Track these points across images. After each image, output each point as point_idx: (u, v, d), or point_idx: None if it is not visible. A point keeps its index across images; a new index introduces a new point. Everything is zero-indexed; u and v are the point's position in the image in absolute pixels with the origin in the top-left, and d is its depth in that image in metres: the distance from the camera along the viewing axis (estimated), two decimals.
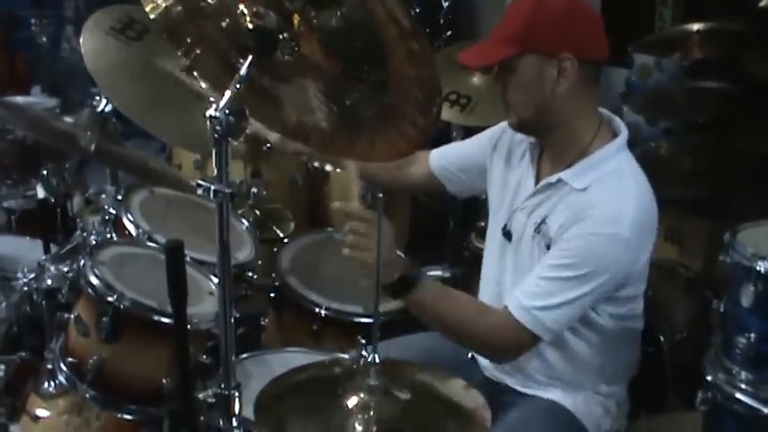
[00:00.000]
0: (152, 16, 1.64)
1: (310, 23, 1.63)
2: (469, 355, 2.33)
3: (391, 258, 1.99)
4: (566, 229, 2.00)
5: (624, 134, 2.10)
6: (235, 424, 1.66)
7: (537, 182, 2.16)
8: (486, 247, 2.33)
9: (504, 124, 2.28)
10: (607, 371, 2.17)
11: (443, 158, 2.46)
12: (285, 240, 3.02)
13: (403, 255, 2.06)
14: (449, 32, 4.90)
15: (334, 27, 1.65)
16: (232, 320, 1.63)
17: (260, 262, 2.79)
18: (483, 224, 3.51)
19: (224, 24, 1.70)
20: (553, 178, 2.07)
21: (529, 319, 1.98)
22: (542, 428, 2.11)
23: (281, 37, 1.63)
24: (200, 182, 1.56)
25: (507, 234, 2.20)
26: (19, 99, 3.90)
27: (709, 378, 2.00)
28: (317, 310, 2.65)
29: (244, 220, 2.95)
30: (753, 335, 1.93)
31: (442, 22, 4.95)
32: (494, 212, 2.31)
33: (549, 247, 2.04)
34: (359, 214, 2.00)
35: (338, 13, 1.63)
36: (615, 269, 1.98)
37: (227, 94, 1.52)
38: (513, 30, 2.02)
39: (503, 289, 2.20)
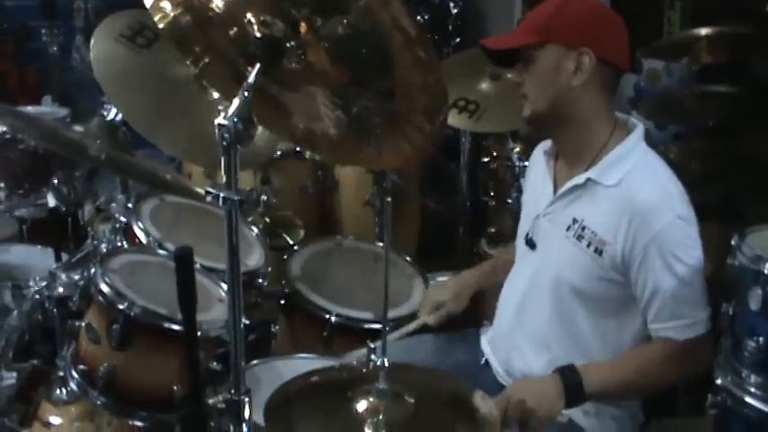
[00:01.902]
0: (161, 26, 1.65)
1: (317, 32, 1.65)
2: (483, 360, 2.34)
3: (553, 409, 2.02)
4: (633, 241, 2.00)
5: (640, 128, 2.12)
6: (245, 429, 1.66)
7: (555, 187, 2.17)
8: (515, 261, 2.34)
9: (535, 151, 2.34)
10: None
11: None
12: (295, 247, 3.02)
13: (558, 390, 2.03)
14: (458, 39, 4.92)
15: (341, 35, 1.66)
16: (242, 326, 1.64)
17: (270, 269, 2.80)
18: (493, 230, 3.54)
19: (232, 33, 1.71)
20: (581, 179, 2.08)
21: (690, 329, 2.03)
22: None
23: (288, 45, 1.64)
24: (210, 189, 1.57)
25: (530, 242, 2.21)
26: (30, 109, 3.92)
27: (718, 382, 1.99)
28: (326, 316, 2.66)
29: (254, 228, 2.96)
30: (761, 338, 1.92)
31: (450, 28, 4.97)
32: (521, 225, 2.32)
33: (598, 251, 2.04)
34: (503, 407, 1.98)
35: (344, 21, 1.64)
36: (698, 249, 2.04)
37: (236, 101, 1.53)
38: (537, 22, 2.09)
39: (524, 297, 2.21)
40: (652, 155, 2.10)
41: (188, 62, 1.67)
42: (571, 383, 2.02)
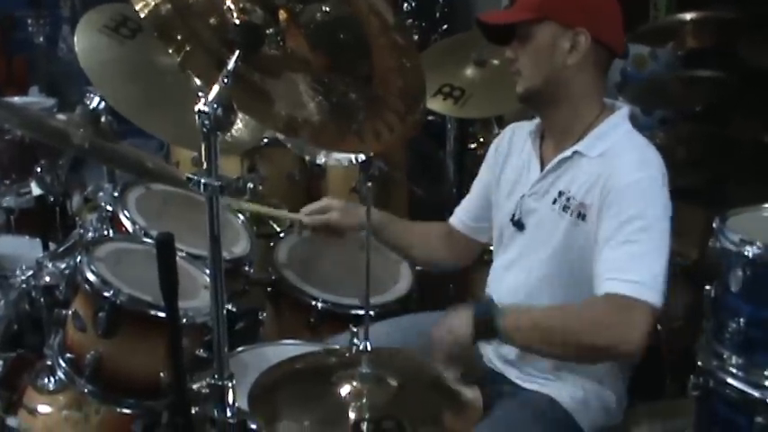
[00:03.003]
0: (142, 15, 1.66)
1: (296, 18, 1.65)
2: None
3: (459, 337, 1.97)
4: (603, 194, 2.00)
5: (626, 108, 2.15)
6: (229, 414, 1.67)
7: (542, 165, 2.18)
8: (495, 248, 2.35)
9: (503, 132, 2.36)
10: (604, 366, 2.15)
11: (463, 214, 2.51)
12: (281, 235, 3.03)
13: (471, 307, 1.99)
14: (445, 26, 4.90)
15: (319, 22, 1.67)
16: (224, 311, 1.65)
17: (256, 256, 2.80)
18: None
19: (212, 21, 1.71)
20: (568, 152, 2.10)
21: (634, 288, 1.87)
22: (532, 424, 2.10)
23: (267, 32, 1.65)
24: (190, 175, 1.58)
25: (518, 223, 2.21)
26: (16, 99, 3.92)
27: (700, 364, 2.01)
28: (313, 303, 2.68)
29: (240, 215, 2.96)
30: (742, 319, 1.94)
31: (438, 15, 4.96)
32: (498, 210, 2.32)
33: (581, 216, 2.04)
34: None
35: (322, 7, 1.65)
36: (667, 210, 1.99)
37: (215, 88, 1.54)
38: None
39: (518, 280, 2.20)
40: (636, 133, 2.12)
41: (170, 51, 1.67)
42: (481, 315, 1.95)
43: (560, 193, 2.10)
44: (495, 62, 3.09)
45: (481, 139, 3.85)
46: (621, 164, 2.01)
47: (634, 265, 1.90)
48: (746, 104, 3.61)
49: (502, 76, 2.78)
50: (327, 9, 1.65)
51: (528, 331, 1.96)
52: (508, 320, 1.94)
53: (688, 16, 3.54)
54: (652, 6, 4.13)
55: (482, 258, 2.61)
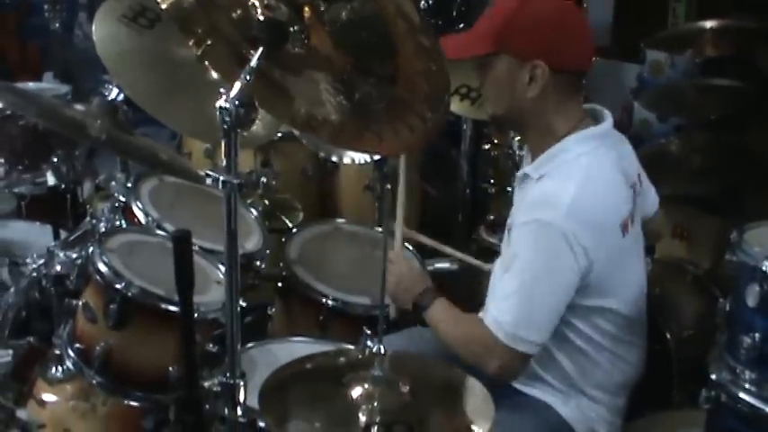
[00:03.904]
0: (163, 6, 1.64)
1: (320, 16, 1.64)
2: None
3: (406, 287, 2.21)
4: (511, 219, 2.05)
5: (602, 126, 2.08)
6: (239, 413, 1.67)
7: None
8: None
9: None
10: (604, 379, 2.16)
11: None
12: (293, 230, 3.02)
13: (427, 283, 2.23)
14: (462, 24, 4.88)
15: (344, 20, 1.65)
16: (238, 310, 1.64)
17: (268, 251, 2.80)
18: (492, 218, 3.54)
19: (235, 15, 1.70)
20: (520, 173, 2.11)
21: (496, 326, 1.99)
22: (530, 428, 2.10)
23: (291, 29, 1.63)
24: (209, 172, 1.57)
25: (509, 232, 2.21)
26: (30, 85, 3.91)
27: (713, 377, 1.99)
28: (323, 300, 2.66)
29: (252, 210, 2.95)
30: (757, 335, 1.92)
31: (455, 13, 4.93)
32: None
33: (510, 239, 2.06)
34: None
35: (348, 6, 1.63)
36: (556, 263, 1.95)
37: (237, 85, 1.53)
38: (492, 26, 2.05)
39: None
40: (590, 157, 2.03)
41: (190, 44, 1.66)
42: (421, 303, 2.19)
43: (508, 223, 2.12)
44: None
45: (496, 141, 3.83)
46: (533, 199, 2.02)
47: (493, 300, 2.04)
48: (763, 114, 3.58)
49: None
50: (353, 8, 1.63)
51: (433, 325, 2.18)
52: (433, 316, 2.18)
53: (708, 24, 3.52)
54: (671, 13, 4.11)
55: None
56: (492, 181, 3.86)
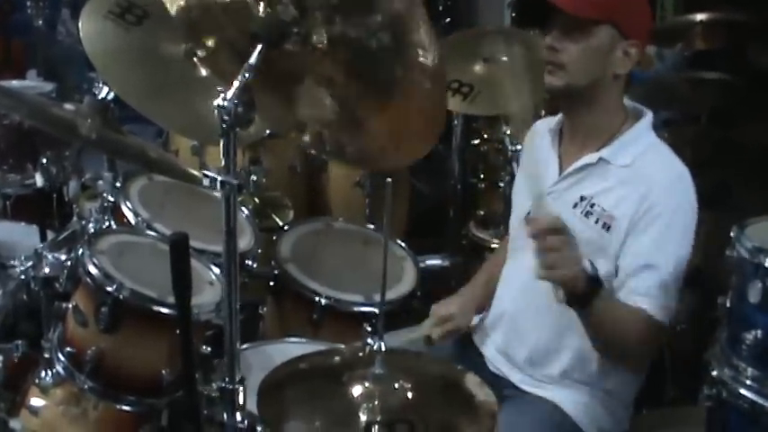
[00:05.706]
0: (172, 12, 1.61)
1: (329, 26, 1.58)
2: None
3: (577, 272, 1.88)
4: (639, 211, 2.00)
5: (650, 115, 2.14)
6: (239, 418, 1.64)
7: (561, 166, 2.16)
8: (511, 247, 2.31)
9: (529, 133, 2.32)
10: (617, 369, 2.14)
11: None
12: (285, 228, 2.99)
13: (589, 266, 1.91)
14: (448, 19, 4.87)
15: (356, 43, 1.59)
16: (238, 316, 1.61)
17: (260, 250, 2.77)
18: (482, 213, 3.53)
19: (238, 16, 1.66)
20: (593, 158, 2.08)
21: (665, 314, 2.02)
22: (534, 430, 2.08)
23: (293, 31, 1.59)
24: (207, 173, 1.54)
25: None
26: (14, 83, 3.86)
27: (714, 374, 1.98)
28: (316, 298, 2.64)
29: (243, 209, 2.92)
30: (759, 331, 1.91)
31: (441, 8, 4.93)
32: (516, 208, 2.30)
33: (606, 227, 2.03)
34: (552, 225, 1.85)
35: (365, 31, 1.56)
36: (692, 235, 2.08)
37: (236, 83, 1.50)
38: None
39: (531, 280, 2.02)
40: (662, 144, 2.12)
41: (190, 45, 1.62)
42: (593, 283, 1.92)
43: (582, 198, 2.08)
44: (504, 59, 3.05)
45: (485, 136, 3.82)
46: (667, 182, 2.03)
47: (662, 293, 2.01)
48: (753, 108, 3.59)
49: (510, 74, 2.76)
50: (371, 33, 1.57)
51: (602, 323, 1.97)
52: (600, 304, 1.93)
53: (698, 17, 3.52)
54: (659, 6, 4.11)
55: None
56: (482, 176, 3.85)
